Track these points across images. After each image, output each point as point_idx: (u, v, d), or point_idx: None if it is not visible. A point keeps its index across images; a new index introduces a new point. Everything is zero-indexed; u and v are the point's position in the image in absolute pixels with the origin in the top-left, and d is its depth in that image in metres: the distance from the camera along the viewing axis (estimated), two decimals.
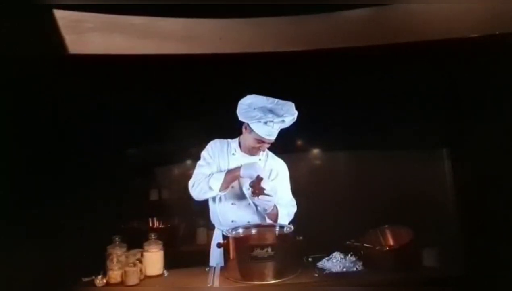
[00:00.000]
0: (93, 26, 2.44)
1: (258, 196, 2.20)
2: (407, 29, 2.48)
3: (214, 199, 2.40)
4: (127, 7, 2.37)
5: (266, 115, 2.21)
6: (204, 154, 2.42)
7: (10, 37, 2.10)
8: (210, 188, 2.27)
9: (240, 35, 2.55)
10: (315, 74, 2.89)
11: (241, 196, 2.36)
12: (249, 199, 2.31)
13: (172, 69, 2.78)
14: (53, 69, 2.37)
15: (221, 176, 2.28)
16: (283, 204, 2.36)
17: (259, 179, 2.20)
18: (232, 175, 2.29)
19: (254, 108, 2.25)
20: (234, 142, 2.44)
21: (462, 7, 2.40)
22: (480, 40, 2.40)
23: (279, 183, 2.41)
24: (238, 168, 2.29)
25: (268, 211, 2.30)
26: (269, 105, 2.25)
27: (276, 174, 2.42)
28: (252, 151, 2.37)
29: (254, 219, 2.36)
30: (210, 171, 2.35)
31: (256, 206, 2.33)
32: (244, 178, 2.28)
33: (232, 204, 2.38)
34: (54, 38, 2.35)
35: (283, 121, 2.23)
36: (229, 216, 2.37)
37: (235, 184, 2.35)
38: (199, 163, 2.41)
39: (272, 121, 2.21)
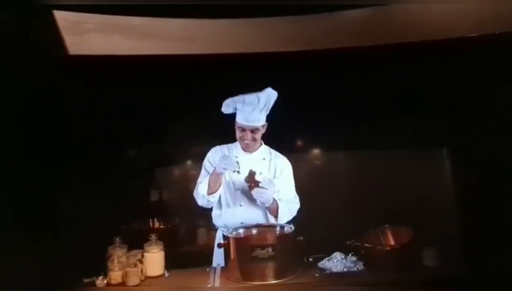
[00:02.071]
0: (93, 27, 2.45)
1: (253, 188, 2.23)
2: (407, 29, 2.48)
3: (220, 203, 2.40)
4: (127, 7, 2.38)
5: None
6: (205, 163, 2.44)
7: (10, 37, 2.10)
8: (202, 196, 2.31)
9: (240, 35, 2.55)
10: (315, 74, 2.89)
11: (248, 198, 2.36)
12: (257, 201, 2.29)
13: (172, 70, 2.78)
14: (53, 70, 2.37)
15: (206, 180, 2.31)
16: (286, 200, 2.36)
17: (251, 174, 2.25)
18: (213, 175, 2.30)
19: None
20: (235, 147, 2.45)
21: (462, 7, 2.40)
22: (480, 39, 2.40)
23: (283, 180, 2.42)
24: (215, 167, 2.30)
25: (267, 205, 2.30)
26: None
27: (280, 171, 2.43)
28: (243, 144, 2.38)
29: (263, 220, 2.36)
30: None
31: (262, 203, 2.32)
32: (221, 171, 2.25)
33: (240, 206, 2.39)
34: (54, 39, 2.36)
35: (243, 97, 2.28)
36: (238, 218, 2.36)
37: (243, 187, 2.35)
38: (201, 172, 2.43)
39: (239, 103, 2.29)
